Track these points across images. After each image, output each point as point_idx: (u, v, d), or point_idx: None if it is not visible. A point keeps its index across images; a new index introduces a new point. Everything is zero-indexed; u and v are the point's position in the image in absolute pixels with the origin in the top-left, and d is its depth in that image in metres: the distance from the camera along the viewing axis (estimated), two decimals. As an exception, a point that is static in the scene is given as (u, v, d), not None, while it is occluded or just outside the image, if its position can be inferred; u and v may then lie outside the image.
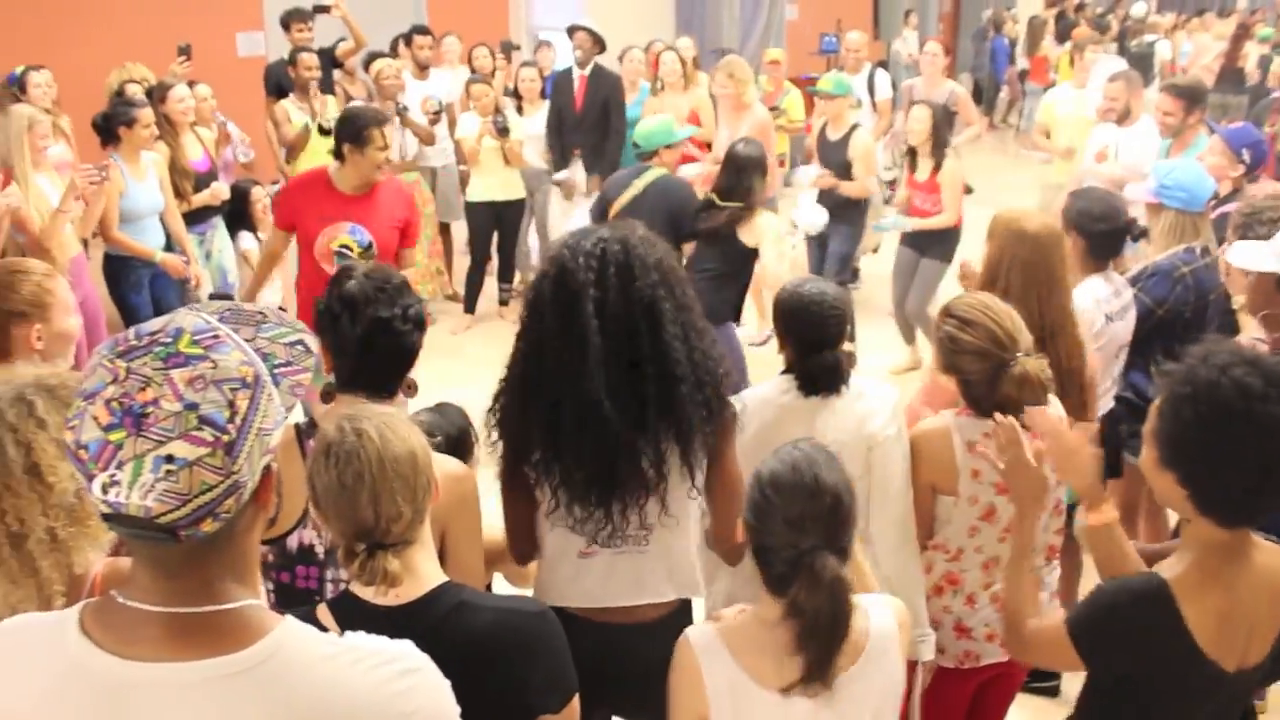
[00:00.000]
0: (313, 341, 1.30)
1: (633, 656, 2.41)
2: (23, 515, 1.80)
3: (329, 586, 2.36)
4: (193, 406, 1.13)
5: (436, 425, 2.74)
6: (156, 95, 6.14)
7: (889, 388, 2.85)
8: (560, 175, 7.46)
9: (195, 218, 6.11)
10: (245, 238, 5.70)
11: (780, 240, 5.26)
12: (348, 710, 1.22)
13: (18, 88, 6.53)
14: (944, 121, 6.28)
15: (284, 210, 4.80)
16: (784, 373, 2.77)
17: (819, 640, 1.90)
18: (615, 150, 7.41)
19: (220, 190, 6.19)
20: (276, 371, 1.24)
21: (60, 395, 1.86)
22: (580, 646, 2.01)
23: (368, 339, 2.36)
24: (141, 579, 1.23)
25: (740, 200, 5.09)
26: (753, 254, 5.15)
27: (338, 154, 4.57)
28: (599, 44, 7.66)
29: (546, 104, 7.70)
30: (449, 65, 8.43)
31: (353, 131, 4.47)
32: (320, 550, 2.36)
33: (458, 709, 1.35)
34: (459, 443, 2.77)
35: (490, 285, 7.90)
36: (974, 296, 2.74)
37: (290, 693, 1.21)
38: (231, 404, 1.15)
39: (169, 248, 5.75)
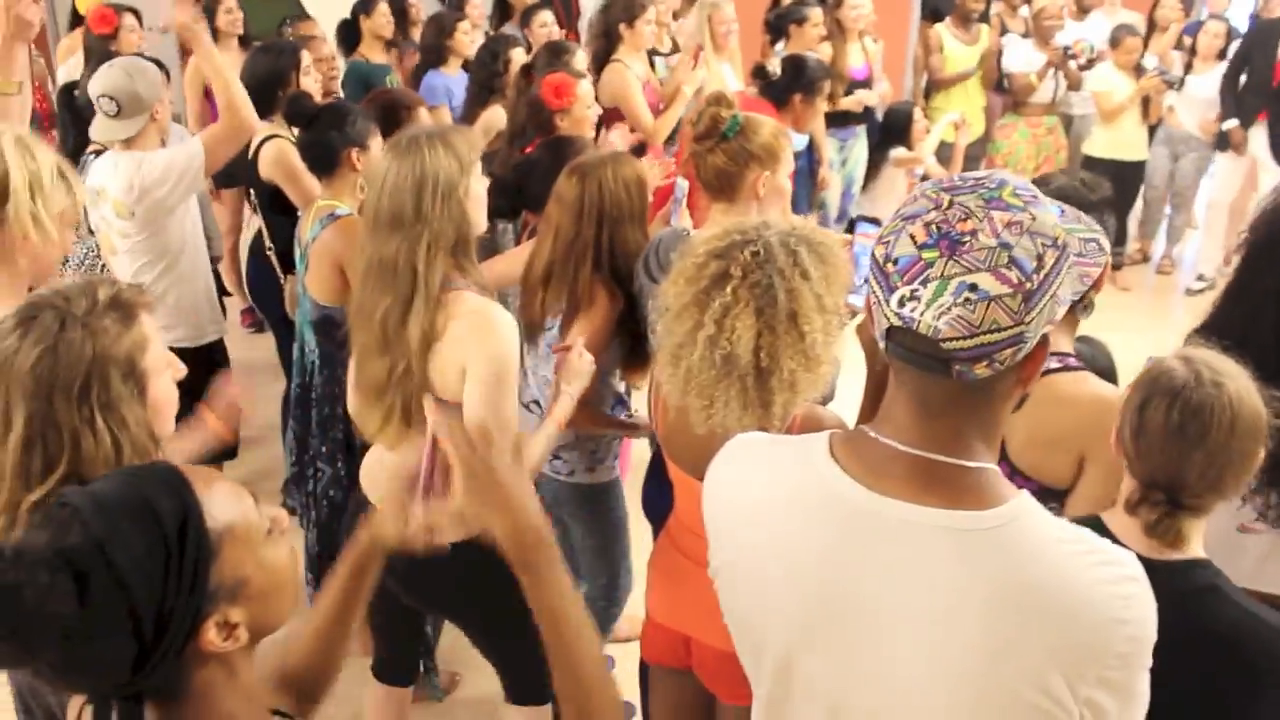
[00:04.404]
0: (1106, 243, 1.30)
1: None
2: (776, 353, 1.93)
3: None
4: (1006, 246, 1.15)
5: (1088, 356, 2.74)
6: (833, 0, 6.39)
7: None
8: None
9: (838, 122, 6.21)
10: (898, 150, 5.89)
11: None
12: (1067, 598, 1.19)
13: None
14: None
15: None
16: None
17: None
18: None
19: (866, 97, 6.24)
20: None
21: (819, 249, 1.97)
22: None
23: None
24: (899, 417, 1.28)
25: None
26: None
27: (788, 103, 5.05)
28: None
29: (1221, 65, 7.08)
30: (1108, 9, 8.02)
31: (807, 83, 5.07)
32: None
33: (1155, 636, 1.25)
34: (1104, 378, 2.75)
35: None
36: None
37: (1019, 564, 1.21)
38: (1040, 257, 1.16)
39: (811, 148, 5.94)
